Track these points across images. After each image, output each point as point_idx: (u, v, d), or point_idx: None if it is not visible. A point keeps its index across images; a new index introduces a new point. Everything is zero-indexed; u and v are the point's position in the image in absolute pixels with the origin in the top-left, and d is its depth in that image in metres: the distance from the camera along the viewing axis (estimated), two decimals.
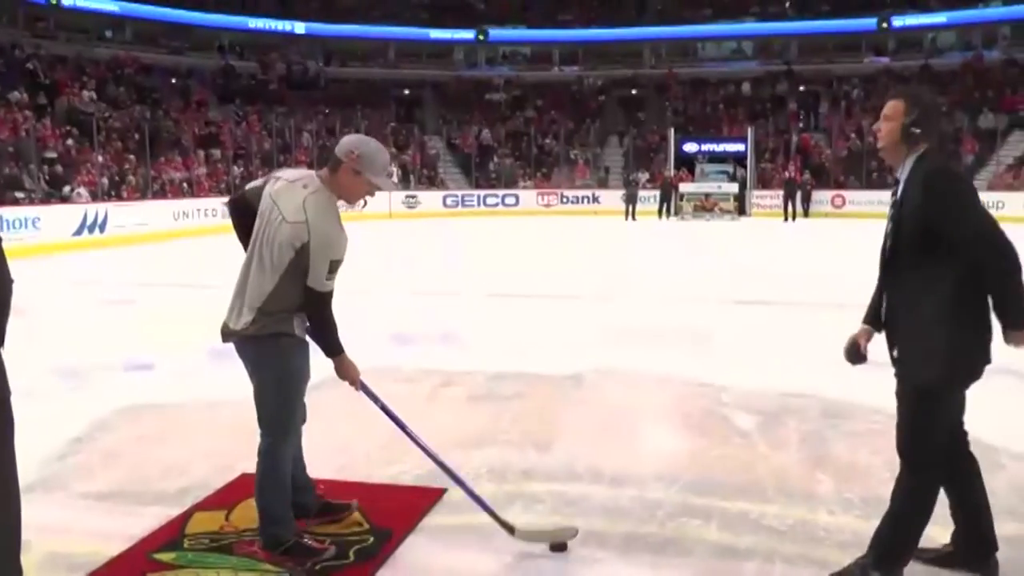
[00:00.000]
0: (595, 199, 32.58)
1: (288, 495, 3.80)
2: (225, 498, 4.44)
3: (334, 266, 3.50)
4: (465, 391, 6.68)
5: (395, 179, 30.84)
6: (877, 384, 6.98)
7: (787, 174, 30.27)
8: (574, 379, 7.03)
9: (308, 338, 3.69)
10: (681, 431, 5.66)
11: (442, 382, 6.92)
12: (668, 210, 29.93)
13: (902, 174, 3.45)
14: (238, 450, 5.15)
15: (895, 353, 3.47)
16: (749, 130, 32.57)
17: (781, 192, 29.91)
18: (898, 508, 3.44)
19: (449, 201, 32.42)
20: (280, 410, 3.67)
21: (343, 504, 4.17)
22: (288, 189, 3.60)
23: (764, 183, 32.34)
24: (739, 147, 32.58)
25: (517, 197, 32.89)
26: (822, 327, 9.41)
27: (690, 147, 33.19)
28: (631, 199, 29.19)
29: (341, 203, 3.64)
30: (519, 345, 8.49)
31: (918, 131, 3.39)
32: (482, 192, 33.14)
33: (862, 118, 33.51)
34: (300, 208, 3.49)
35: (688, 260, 17.01)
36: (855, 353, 3.65)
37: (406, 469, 4.72)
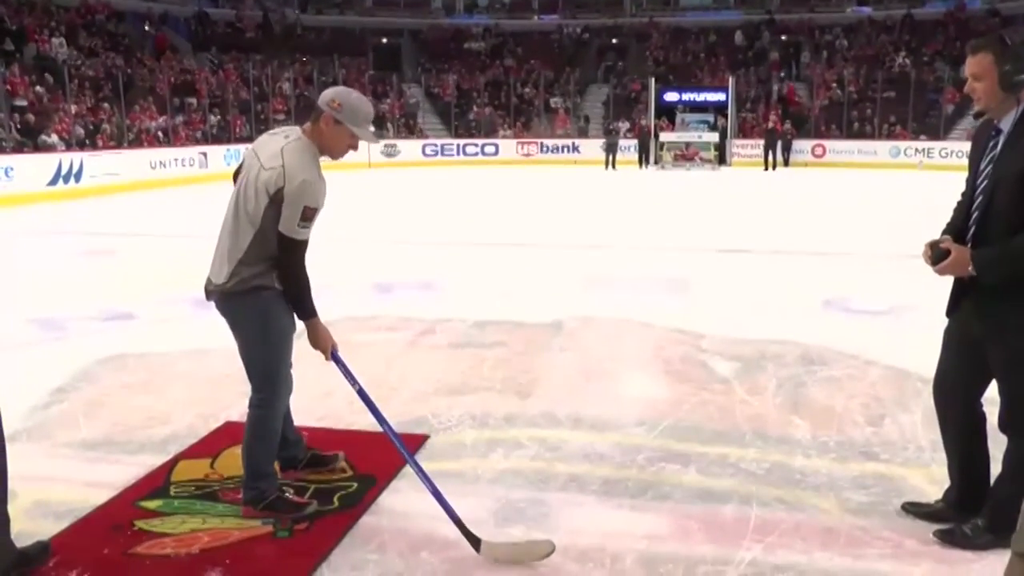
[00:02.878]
0: (575, 149, 32.47)
1: (275, 452, 3.81)
2: (210, 446, 4.46)
3: (309, 213, 3.41)
4: (446, 339, 6.70)
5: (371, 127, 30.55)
6: (855, 330, 7.12)
7: (768, 124, 30.28)
8: (554, 326, 7.06)
9: None
10: (661, 377, 5.71)
11: (423, 330, 6.93)
12: (647, 160, 29.90)
13: (1005, 124, 3.21)
14: (222, 398, 5.18)
15: (986, 322, 3.26)
16: (730, 80, 32.48)
17: (762, 142, 29.94)
18: (1012, 474, 3.32)
19: (428, 150, 32.22)
20: (268, 365, 3.63)
21: (330, 456, 4.20)
22: (269, 140, 3.61)
23: (745, 133, 32.33)
24: (720, 97, 32.51)
25: (497, 146, 32.72)
26: (802, 275, 9.51)
27: (671, 97, 33.08)
28: (611, 149, 29.13)
29: (324, 158, 3.61)
30: (499, 293, 8.50)
31: (1022, 77, 3.13)
32: (462, 141, 32.94)
33: (844, 68, 33.45)
34: (277, 154, 3.46)
35: (668, 209, 17.02)
36: (936, 248, 3.23)
37: (388, 417, 4.75)
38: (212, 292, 3.61)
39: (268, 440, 3.73)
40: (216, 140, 27.25)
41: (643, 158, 29.71)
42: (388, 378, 5.60)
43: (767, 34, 37.27)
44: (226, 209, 3.60)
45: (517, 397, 5.27)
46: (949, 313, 3.47)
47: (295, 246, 3.44)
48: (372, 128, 3.61)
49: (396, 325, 7.10)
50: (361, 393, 3.72)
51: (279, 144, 3.52)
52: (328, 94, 3.56)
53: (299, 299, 3.52)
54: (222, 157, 25.31)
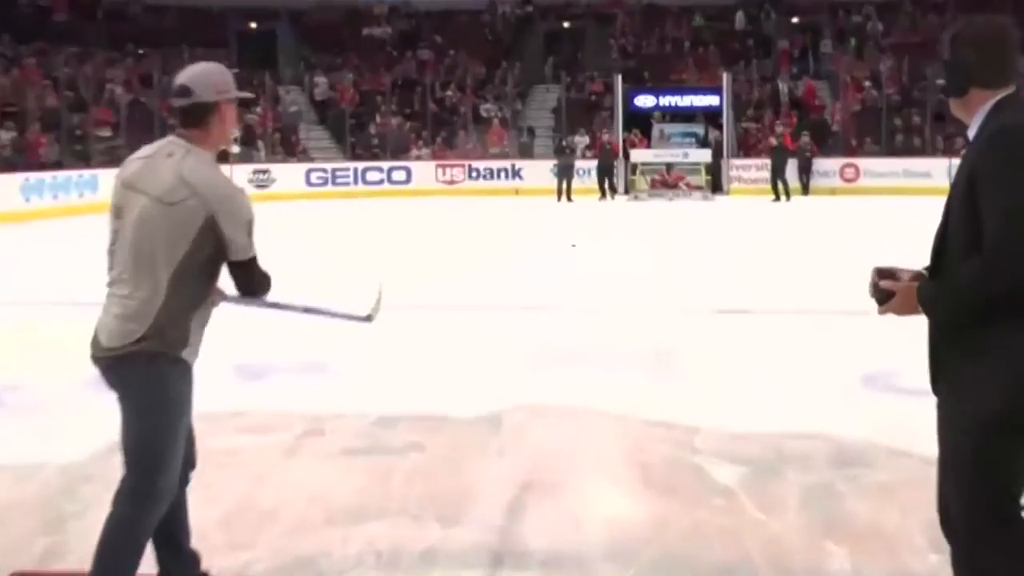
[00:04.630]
0: (516, 173, 32.80)
1: (137, 566, 3.87)
2: None
3: (251, 227, 3.90)
4: (339, 442, 6.61)
5: (235, 146, 30.54)
6: (908, 418, 7.12)
7: (774, 137, 30.58)
8: (490, 422, 7.00)
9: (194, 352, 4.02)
10: (639, 490, 5.66)
11: (307, 430, 6.84)
12: (612, 187, 30.21)
13: (972, 130, 3.45)
14: (7, 540, 4.98)
15: (938, 385, 3.47)
16: (725, 77, 33.07)
17: (768, 162, 30.40)
18: None
19: (315, 177, 32.29)
20: (152, 449, 3.82)
21: None
22: (147, 168, 3.88)
23: (747, 149, 32.86)
24: (711, 100, 33.12)
25: (408, 171, 32.92)
26: (831, 343, 9.57)
27: (644, 100, 33.65)
28: (565, 173, 29.42)
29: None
30: (412, 376, 8.44)
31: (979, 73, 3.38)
32: (360, 165, 33.11)
33: (880, 60, 34.12)
34: (178, 182, 3.76)
35: (645, 255, 17.15)
36: (876, 287, 3.58)
37: (257, 556, 4.63)
38: (101, 358, 3.88)
39: (133, 551, 3.83)
40: (7, 166, 26.48)
41: (607, 185, 29.99)
42: (257, 500, 5.47)
43: (773, 15, 38.08)
44: (110, 260, 3.94)
45: (440, 524, 5.19)
46: (933, 385, 3.51)
47: (253, 265, 3.99)
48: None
49: (270, 425, 6.99)
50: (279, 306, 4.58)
51: (170, 167, 3.80)
52: (201, 81, 3.93)
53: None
54: (17, 190, 24.81)
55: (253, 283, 4.05)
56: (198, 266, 3.82)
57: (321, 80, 36.89)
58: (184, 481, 4.08)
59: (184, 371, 3.92)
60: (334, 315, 4.77)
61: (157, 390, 3.82)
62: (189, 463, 4.11)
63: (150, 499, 3.80)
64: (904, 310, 3.46)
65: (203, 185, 3.75)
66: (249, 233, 3.89)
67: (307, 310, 4.58)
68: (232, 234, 3.81)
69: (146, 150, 3.97)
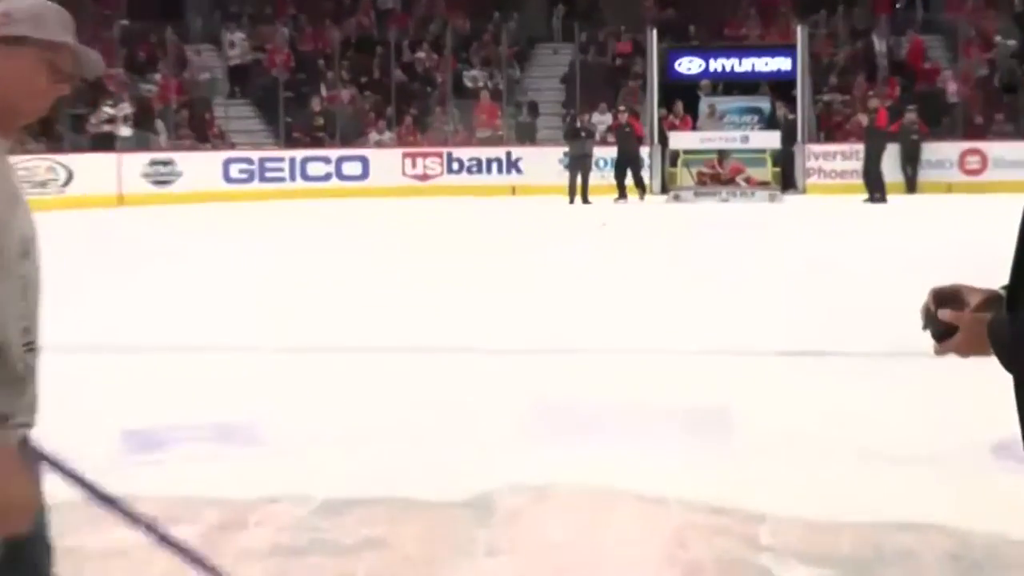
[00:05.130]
0: (513, 165, 32.87)
1: None
2: None
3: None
4: (268, 537, 6.60)
5: (125, 127, 30.62)
6: None
7: (864, 115, 30.48)
8: (477, 507, 7.00)
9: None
10: None
11: (223, 521, 6.83)
12: (637, 183, 30.18)
13: None
14: None
15: None
16: (799, 32, 33.14)
17: (860, 148, 30.46)
18: None
19: (236, 171, 32.41)
20: None
21: None
22: None
23: (830, 131, 32.90)
24: (781, 64, 33.19)
25: (365, 162, 33.02)
26: (947, 397, 9.56)
27: (688, 65, 33.76)
28: (579, 164, 29.43)
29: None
30: (368, 443, 8.44)
31: None
32: (299, 153, 33.26)
33: (1014, 5, 34.15)
34: None
35: (687, 278, 17.19)
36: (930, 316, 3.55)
37: None
38: None
39: None
40: None
41: (624, 179, 29.91)
42: None
43: None
44: None
45: None
46: None
47: None
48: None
49: (171, 514, 6.92)
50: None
51: None
52: None
53: None
54: None
55: None
56: None
57: (242, 38, 36.97)
58: None
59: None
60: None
61: None
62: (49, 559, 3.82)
63: None
64: (971, 350, 3.36)
65: None
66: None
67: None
68: None
69: None
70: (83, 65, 3.58)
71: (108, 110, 31.94)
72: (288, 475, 7.66)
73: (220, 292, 16.01)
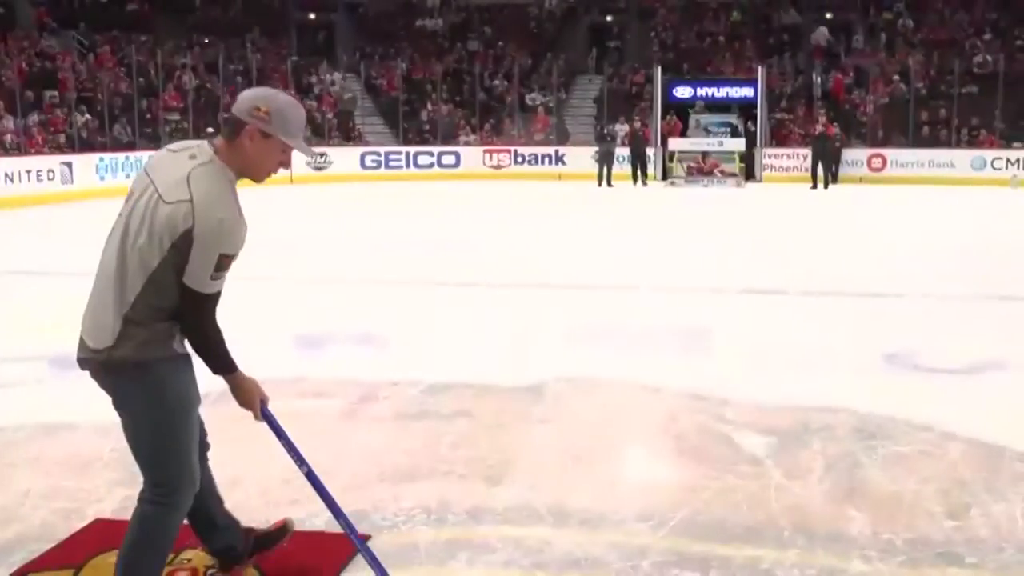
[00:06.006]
0: (559, 159, 32.72)
1: (164, 564, 3.73)
2: (72, 553, 4.37)
3: (224, 262, 3.42)
4: (392, 407, 6.66)
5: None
6: (927, 394, 7.11)
7: (817, 127, 30.00)
8: (533, 391, 7.04)
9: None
10: (671, 457, 5.71)
11: (362, 396, 6.89)
12: (644, 173, 30.03)
13: None
14: (91, 489, 5.10)
15: None
16: (759, 70, 32.84)
17: (802, 151, 30.28)
18: None
19: (369, 160, 32.33)
20: (168, 452, 3.56)
21: (278, 530, 4.24)
22: (170, 160, 3.53)
23: (779, 140, 32.66)
24: (746, 92, 32.85)
25: (457, 155, 32.90)
26: (856, 323, 9.55)
27: (682, 92, 33.39)
28: (606, 159, 29.32)
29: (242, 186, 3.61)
30: (461, 347, 8.49)
31: None
32: (412, 149, 33.12)
33: (910, 55, 33.74)
34: (183, 183, 3.38)
35: (680, 238, 17.13)
36: None
37: (316, 511, 4.70)
38: (88, 360, 3.52)
39: (159, 551, 3.63)
40: (86, 147, 27.10)
41: (637, 171, 29.77)
42: (317, 459, 5.52)
43: (807, 10, 37.75)
44: (106, 244, 3.53)
45: (485, 484, 5.24)
46: None
47: (206, 302, 3.46)
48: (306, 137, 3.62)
49: (327, 390, 7.05)
50: (291, 448, 3.90)
51: (184, 168, 3.43)
52: (248, 99, 3.54)
53: (215, 355, 3.58)
54: (93, 169, 25.20)
55: (195, 324, 3.51)
56: (171, 271, 3.38)
57: (376, 68, 36.79)
58: (203, 460, 3.87)
59: (179, 365, 3.55)
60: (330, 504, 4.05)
61: (154, 395, 3.48)
62: (204, 446, 3.89)
63: (171, 504, 3.58)
64: None
65: (200, 195, 3.35)
66: (218, 267, 3.41)
67: (291, 448, 3.93)
68: (197, 256, 3.36)
69: (180, 144, 3.64)
70: (303, 154, 3.72)
71: None
72: (405, 366, 7.68)
73: (367, 237, 16.07)
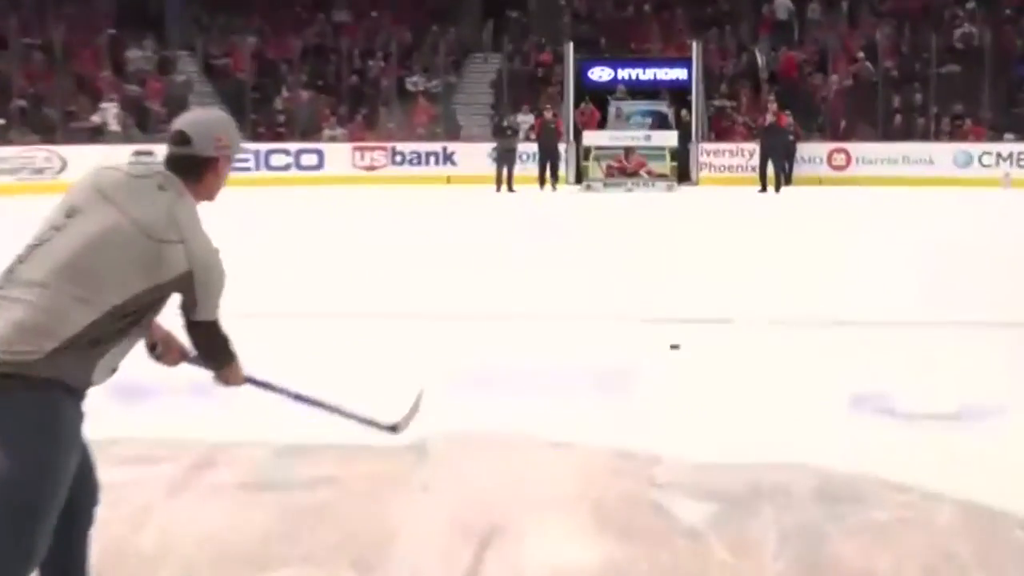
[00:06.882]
0: (448, 158, 32.87)
1: None
2: None
3: (223, 289, 4.16)
4: (235, 476, 6.59)
5: (116, 123, 30.49)
6: (906, 446, 7.18)
7: (766, 117, 30.27)
8: (412, 450, 6.95)
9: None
10: (591, 533, 5.67)
11: (196, 461, 6.81)
12: (554, 174, 30.19)
13: None
14: None
15: None
16: (694, 46, 33.20)
17: (749, 147, 30.58)
18: None
19: None
20: (32, 492, 3.72)
21: None
22: (137, 187, 4.04)
23: (720, 132, 32.99)
24: (678, 74, 33.25)
25: (320, 154, 32.91)
26: (816, 358, 9.63)
27: (599, 74, 33.76)
28: (506, 158, 29.43)
29: None
30: (323, 397, 8.37)
31: None
32: (263, 146, 33.00)
33: (877, 27, 34.28)
34: (171, 221, 3.94)
35: (597, 255, 17.20)
36: None
37: None
38: None
39: None
40: None
41: (546, 171, 29.93)
42: (136, 544, 5.43)
43: None
44: (30, 251, 3.86)
45: (354, 572, 5.20)
46: None
47: (216, 325, 4.26)
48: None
49: (152, 455, 6.94)
50: (301, 398, 5.09)
51: (161, 202, 3.98)
52: (201, 130, 4.22)
53: (227, 356, 4.52)
54: None
55: (215, 345, 4.37)
56: (143, 308, 4.00)
57: (215, 46, 36.63)
58: (89, 521, 4.19)
59: (78, 402, 4.00)
60: (351, 416, 5.26)
61: (47, 423, 3.81)
62: (93, 498, 4.23)
63: (21, 562, 3.74)
64: None
65: (194, 240, 3.97)
66: (220, 295, 4.16)
67: (319, 405, 4.74)
68: (204, 295, 4.07)
69: (133, 168, 4.21)
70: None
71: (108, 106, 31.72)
72: (252, 421, 7.46)
73: None
